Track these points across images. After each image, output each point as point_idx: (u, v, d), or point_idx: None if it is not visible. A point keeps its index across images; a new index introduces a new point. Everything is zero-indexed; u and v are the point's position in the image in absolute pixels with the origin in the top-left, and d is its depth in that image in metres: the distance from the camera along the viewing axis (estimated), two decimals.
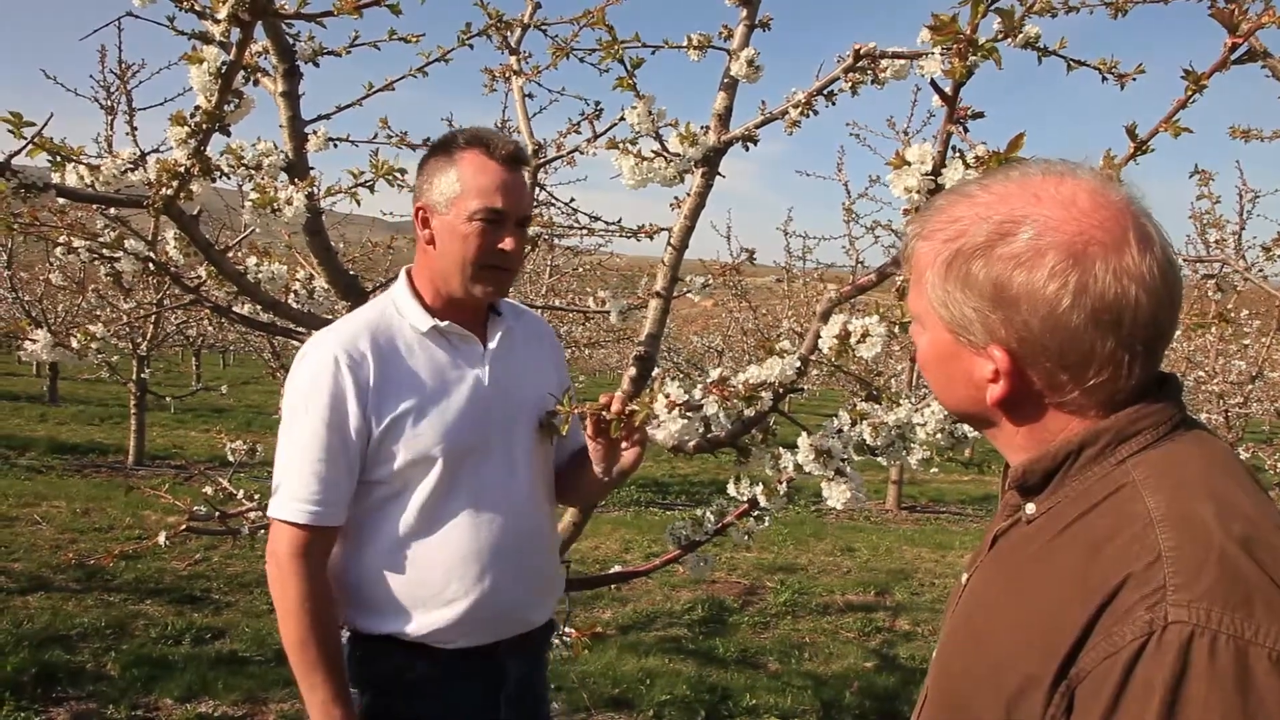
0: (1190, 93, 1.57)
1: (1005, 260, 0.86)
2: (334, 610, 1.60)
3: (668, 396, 1.79)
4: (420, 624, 1.60)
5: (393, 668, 1.64)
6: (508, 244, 1.60)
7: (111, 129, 5.92)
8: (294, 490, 1.54)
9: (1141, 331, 0.85)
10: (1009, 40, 1.72)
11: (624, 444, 1.68)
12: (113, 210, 2.38)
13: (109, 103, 6.23)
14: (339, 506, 1.57)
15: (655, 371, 2.33)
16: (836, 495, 1.93)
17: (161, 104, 4.41)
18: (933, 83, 1.60)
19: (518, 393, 1.71)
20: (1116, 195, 0.88)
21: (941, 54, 1.53)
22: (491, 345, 1.69)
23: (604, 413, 1.61)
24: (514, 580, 1.66)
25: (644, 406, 1.64)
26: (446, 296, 1.65)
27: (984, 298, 0.88)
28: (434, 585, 1.60)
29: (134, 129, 5.02)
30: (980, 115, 1.62)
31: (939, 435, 1.96)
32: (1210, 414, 7.52)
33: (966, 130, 1.60)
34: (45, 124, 1.86)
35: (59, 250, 2.35)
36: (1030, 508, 0.94)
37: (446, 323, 1.64)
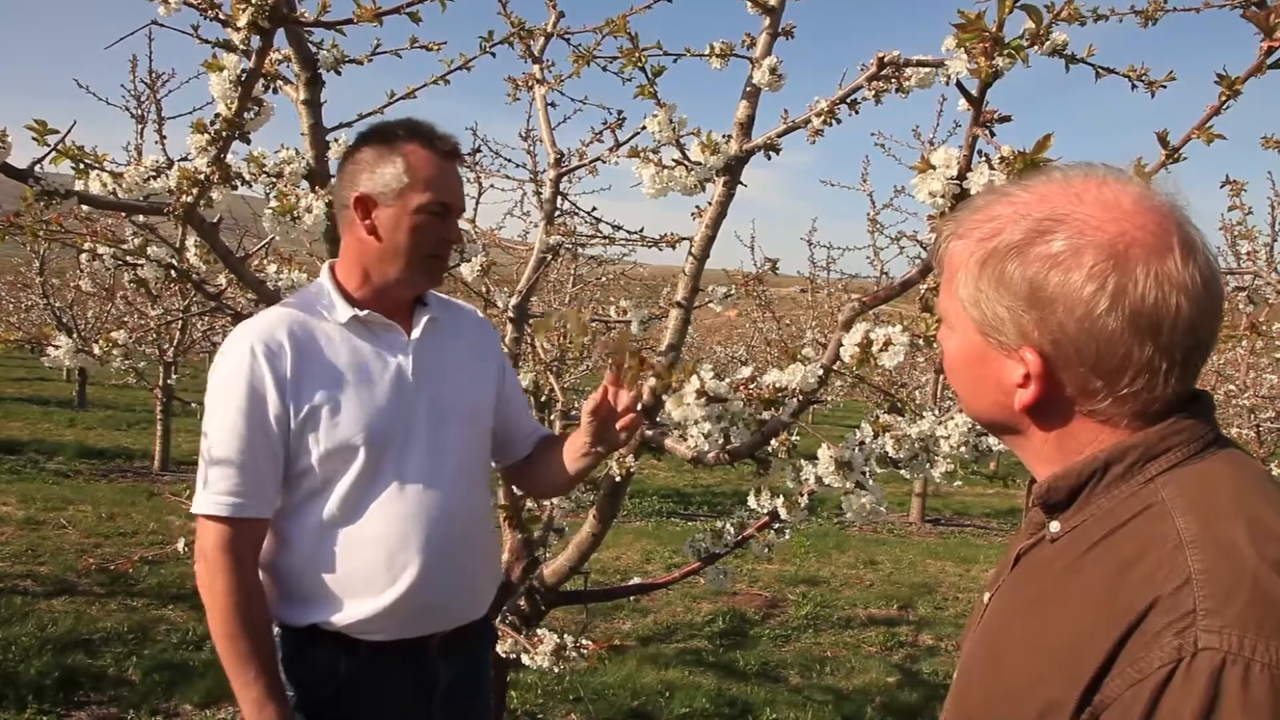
0: (1224, 98, 1.53)
1: (1042, 259, 0.83)
2: (265, 605, 1.59)
3: (701, 381, 1.78)
4: (346, 614, 1.59)
5: (321, 663, 1.62)
6: (453, 234, 1.64)
7: (141, 137, 5.98)
8: (216, 484, 1.53)
9: (1181, 340, 0.82)
10: (1036, 47, 1.69)
11: (622, 421, 1.62)
12: (140, 217, 2.40)
13: (139, 111, 6.30)
14: (263, 499, 1.56)
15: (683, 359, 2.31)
16: (855, 508, 1.90)
17: (190, 112, 4.43)
18: (958, 84, 1.57)
19: (444, 383, 1.70)
20: (1160, 199, 0.85)
21: (967, 53, 1.50)
22: (415, 334, 1.68)
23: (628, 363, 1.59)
24: (441, 572, 1.63)
25: (667, 376, 1.62)
26: (378, 286, 1.64)
27: (1018, 297, 0.85)
28: (359, 575, 1.58)
29: (163, 137, 5.07)
30: (1007, 119, 1.59)
31: (963, 448, 1.93)
32: (1241, 429, 7.39)
33: (993, 134, 1.57)
34: (68, 132, 1.87)
35: (85, 257, 2.37)
36: (1055, 526, 0.90)
37: (367, 312, 1.63)
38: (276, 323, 1.58)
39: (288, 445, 1.56)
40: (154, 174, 1.98)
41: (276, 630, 1.64)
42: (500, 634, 2.43)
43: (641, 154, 2.13)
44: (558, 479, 1.85)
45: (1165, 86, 2.05)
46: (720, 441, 2.00)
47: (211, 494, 1.53)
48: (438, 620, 1.67)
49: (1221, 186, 4.03)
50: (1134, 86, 2.06)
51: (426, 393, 1.66)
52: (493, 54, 2.64)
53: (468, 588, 1.72)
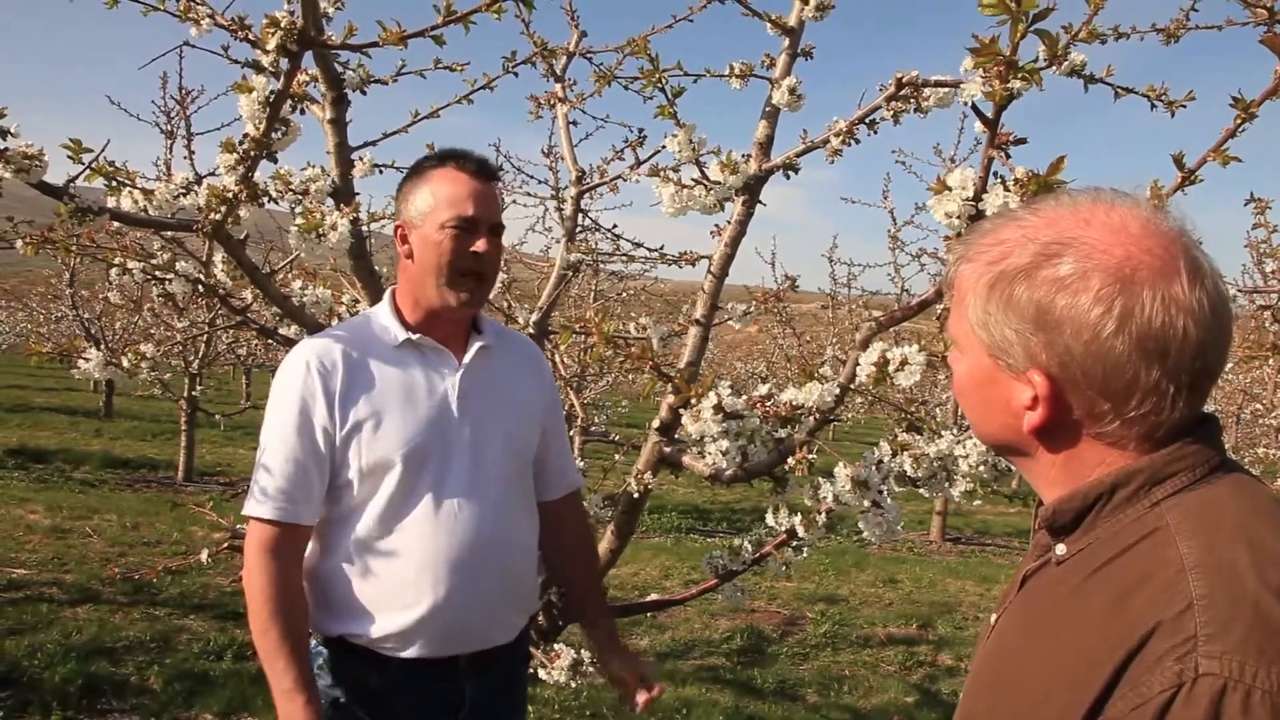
0: (1240, 121, 1.54)
1: (1049, 282, 0.84)
2: (301, 605, 1.64)
3: (718, 397, 1.80)
4: (374, 628, 1.63)
5: (351, 675, 1.67)
6: (480, 246, 1.66)
7: (171, 153, 6.08)
8: (264, 488, 1.60)
9: (1188, 364, 0.82)
10: (1054, 68, 1.70)
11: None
12: (169, 232, 2.45)
13: (169, 127, 6.40)
14: (307, 505, 1.62)
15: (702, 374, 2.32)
16: (870, 527, 1.90)
17: (219, 128, 4.53)
18: (974, 106, 1.58)
19: (489, 410, 1.73)
20: (1168, 224, 0.85)
21: (982, 76, 1.51)
22: (466, 360, 1.73)
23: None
24: (472, 593, 1.66)
25: (685, 391, 1.65)
26: (426, 309, 1.70)
27: (1026, 320, 0.86)
28: (389, 590, 1.63)
29: (192, 153, 5.16)
30: (1023, 141, 1.60)
31: (981, 467, 1.93)
32: (1269, 448, 7.30)
33: (1008, 156, 1.57)
34: (102, 150, 1.92)
35: (114, 271, 2.42)
36: (1061, 548, 0.90)
37: (419, 336, 1.70)
38: (334, 341, 1.66)
39: (333, 458, 1.63)
40: (183, 191, 2.02)
41: (317, 640, 1.69)
42: None
43: (661, 173, 2.15)
44: (556, 563, 1.95)
45: (1185, 106, 2.05)
46: (737, 459, 2.01)
47: (260, 497, 1.60)
48: (464, 641, 1.69)
49: (1246, 204, 4.00)
50: (1153, 106, 2.06)
51: (470, 418, 1.70)
52: (515, 73, 2.67)
53: (496, 612, 1.73)
